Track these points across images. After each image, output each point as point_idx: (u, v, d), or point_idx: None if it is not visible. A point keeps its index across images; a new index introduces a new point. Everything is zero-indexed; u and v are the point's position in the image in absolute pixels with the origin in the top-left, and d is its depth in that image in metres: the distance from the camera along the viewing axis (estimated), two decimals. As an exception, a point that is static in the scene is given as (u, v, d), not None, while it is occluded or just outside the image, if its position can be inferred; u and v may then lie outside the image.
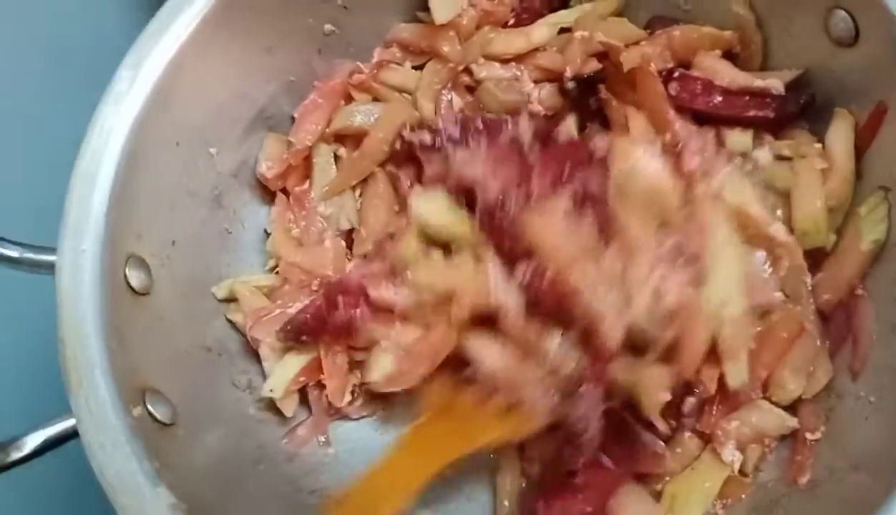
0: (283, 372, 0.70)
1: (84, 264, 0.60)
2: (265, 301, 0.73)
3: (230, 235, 0.75)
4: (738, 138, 0.68)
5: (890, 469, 0.52)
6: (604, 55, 0.72)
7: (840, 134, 0.65)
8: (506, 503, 0.68)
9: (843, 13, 0.62)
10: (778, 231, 0.64)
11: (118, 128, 0.63)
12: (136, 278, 0.63)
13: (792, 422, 0.63)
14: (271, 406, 0.71)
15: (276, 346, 0.71)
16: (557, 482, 0.64)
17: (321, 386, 0.71)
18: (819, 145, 0.66)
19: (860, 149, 0.64)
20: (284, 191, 0.77)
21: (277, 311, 0.71)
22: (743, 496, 0.64)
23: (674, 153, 0.66)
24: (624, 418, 0.63)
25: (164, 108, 0.65)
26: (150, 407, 0.59)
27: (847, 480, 0.57)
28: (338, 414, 0.73)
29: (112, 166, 0.62)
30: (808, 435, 0.63)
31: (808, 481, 0.60)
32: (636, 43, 0.71)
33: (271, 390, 0.69)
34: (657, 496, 0.64)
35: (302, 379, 0.71)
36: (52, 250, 0.60)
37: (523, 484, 0.68)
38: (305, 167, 0.77)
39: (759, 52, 0.71)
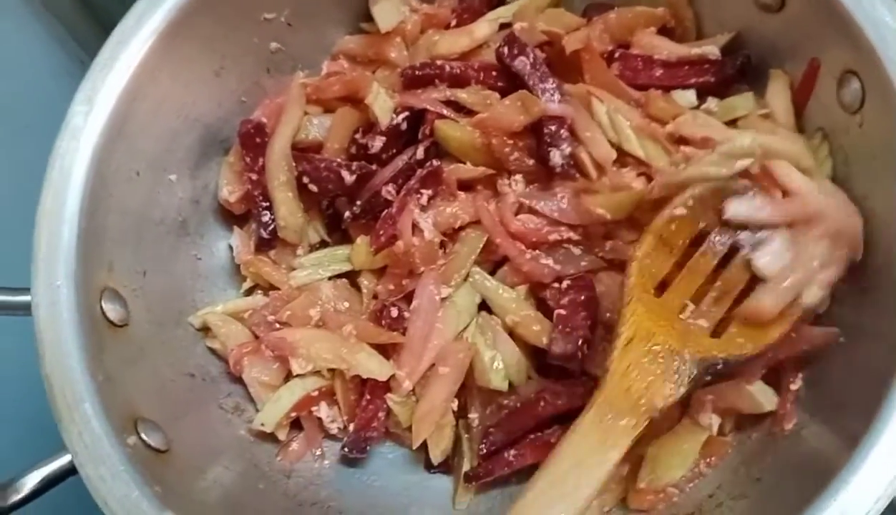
0: (276, 407, 0.70)
1: (60, 300, 0.60)
2: (239, 327, 0.73)
3: (200, 261, 0.75)
4: (682, 95, 0.71)
5: (871, 399, 0.54)
6: (547, 45, 0.74)
7: (778, 93, 0.68)
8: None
9: (767, -21, 0.66)
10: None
11: (78, 162, 0.63)
12: (112, 310, 0.63)
13: (769, 406, 0.64)
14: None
15: (265, 382, 0.71)
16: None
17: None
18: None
19: (799, 105, 0.68)
20: (249, 212, 0.77)
21: (255, 345, 0.72)
22: (727, 453, 0.66)
23: (638, 107, 0.70)
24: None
25: (120, 139, 0.65)
26: (143, 436, 0.59)
27: (830, 420, 0.59)
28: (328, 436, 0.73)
29: (76, 200, 0.62)
30: (791, 386, 0.64)
31: (794, 425, 0.62)
32: (575, 30, 0.74)
33: (262, 424, 0.70)
34: (639, 458, 0.66)
35: (294, 414, 0.71)
36: (27, 290, 0.60)
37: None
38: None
39: (692, 26, 0.74)
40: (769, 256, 0.60)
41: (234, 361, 0.71)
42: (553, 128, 0.66)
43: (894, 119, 0.57)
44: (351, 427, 0.70)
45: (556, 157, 0.66)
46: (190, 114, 0.73)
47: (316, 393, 0.71)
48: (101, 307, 0.62)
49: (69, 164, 0.63)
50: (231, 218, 0.77)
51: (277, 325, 0.71)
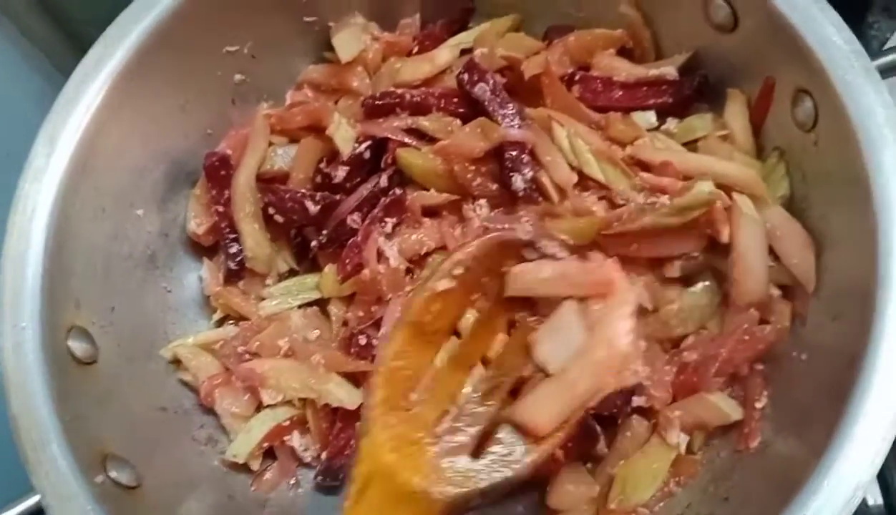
0: (247, 438, 0.70)
1: (25, 341, 0.60)
2: (209, 359, 0.73)
3: (170, 294, 0.75)
4: (641, 116, 0.72)
5: (830, 418, 0.55)
6: (507, 70, 0.75)
7: (736, 112, 0.69)
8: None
9: (720, 2, 0.66)
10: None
11: (41, 203, 0.63)
12: (79, 348, 0.64)
13: (735, 415, 0.65)
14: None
15: (237, 413, 0.72)
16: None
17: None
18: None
19: (756, 124, 0.69)
20: (218, 244, 0.77)
21: (226, 376, 0.72)
22: (696, 472, 0.66)
23: (598, 129, 0.71)
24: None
25: (84, 177, 0.66)
26: (112, 474, 0.59)
27: (795, 435, 0.60)
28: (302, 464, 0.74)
29: (40, 241, 0.63)
30: (756, 404, 0.65)
31: (760, 443, 0.63)
32: (535, 53, 0.75)
33: (234, 455, 0.70)
34: (610, 479, 0.67)
35: (266, 443, 0.71)
36: (-8, 333, 0.60)
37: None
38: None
39: (651, 47, 0.75)
40: (550, 343, 0.52)
41: (206, 393, 0.71)
42: (514, 153, 0.67)
43: (846, 136, 0.58)
44: (324, 455, 0.70)
45: (517, 182, 0.67)
46: (156, 149, 0.73)
47: (287, 423, 0.71)
48: (68, 345, 0.62)
49: (32, 206, 0.63)
50: (200, 249, 0.78)
51: (247, 356, 0.72)
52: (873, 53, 0.82)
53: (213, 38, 0.74)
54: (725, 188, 0.65)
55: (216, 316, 0.77)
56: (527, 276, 0.56)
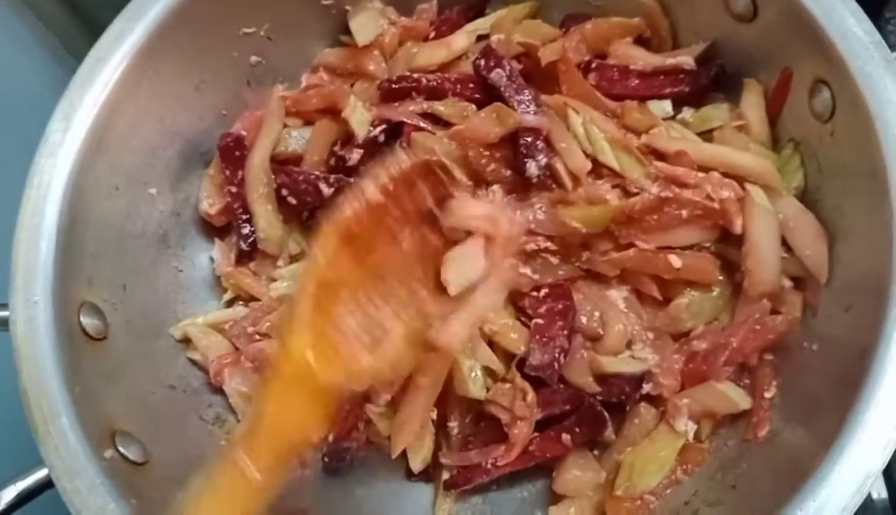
0: None
1: (37, 315, 0.60)
2: (219, 338, 0.73)
3: (181, 274, 0.75)
4: (658, 105, 0.71)
5: (840, 407, 0.55)
6: (524, 56, 0.74)
7: (752, 102, 0.69)
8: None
9: (740, -10, 0.66)
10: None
11: (56, 178, 0.64)
12: (90, 324, 0.64)
13: (744, 404, 0.65)
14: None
15: (246, 393, 0.72)
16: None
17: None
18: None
19: (773, 114, 0.68)
20: (230, 224, 0.78)
21: (235, 356, 0.72)
22: (703, 460, 0.66)
23: (614, 117, 0.70)
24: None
25: (99, 154, 0.66)
26: (121, 449, 0.60)
27: (804, 425, 0.60)
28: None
29: (54, 216, 0.63)
30: (766, 393, 0.65)
31: (768, 432, 0.62)
32: (552, 41, 0.74)
33: None
34: (617, 465, 0.66)
35: None
36: (5, 306, 0.60)
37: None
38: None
39: (668, 36, 0.75)
40: (457, 264, 0.57)
41: (215, 372, 0.71)
42: (529, 139, 0.67)
43: (863, 128, 0.58)
44: (330, 437, 0.70)
45: (532, 168, 0.66)
46: (170, 129, 0.73)
47: None
48: (80, 321, 0.63)
49: (47, 180, 0.63)
50: (212, 230, 0.78)
51: (257, 336, 0.72)
52: (891, 47, 0.83)
53: (231, 19, 0.74)
54: (739, 178, 0.65)
55: (226, 297, 0.77)
56: (464, 210, 0.58)
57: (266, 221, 0.74)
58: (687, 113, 0.71)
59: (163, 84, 0.71)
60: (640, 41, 0.75)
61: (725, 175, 0.65)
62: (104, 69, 0.67)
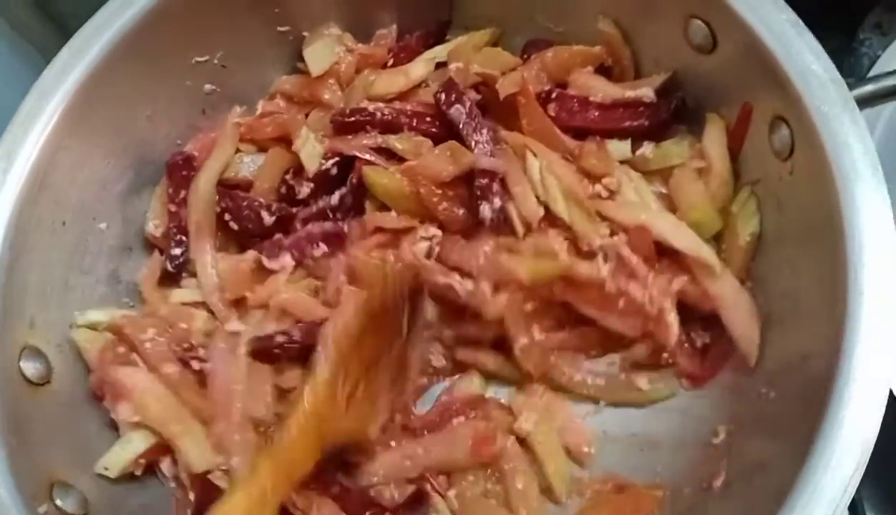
0: (123, 452, 0.65)
1: (-27, 362, 0.58)
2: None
3: (132, 309, 0.73)
4: (617, 146, 0.70)
5: (794, 456, 0.53)
6: (483, 85, 0.73)
7: (714, 137, 0.67)
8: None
9: (699, 22, 0.64)
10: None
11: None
12: (31, 368, 0.62)
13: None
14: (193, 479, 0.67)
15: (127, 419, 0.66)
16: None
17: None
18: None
19: (734, 150, 0.66)
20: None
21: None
22: (656, 509, 0.65)
23: (571, 160, 0.69)
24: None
25: (42, 191, 0.64)
26: (57, 501, 0.58)
27: (758, 474, 0.58)
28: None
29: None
30: (713, 439, 0.64)
31: (723, 483, 0.61)
32: (512, 69, 0.73)
33: (105, 468, 0.64)
34: None
35: (142, 461, 0.66)
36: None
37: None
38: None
39: (630, 65, 0.73)
40: None
41: (95, 384, 0.66)
42: (484, 181, 0.65)
43: (819, 168, 0.56)
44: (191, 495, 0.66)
45: (485, 211, 0.65)
46: (121, 162, 0.71)
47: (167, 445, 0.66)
48: (20, 366, 0.61)
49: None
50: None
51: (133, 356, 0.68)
52: (863, 71, 0.81)
53: (182, 48, 0.72)
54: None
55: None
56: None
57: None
58: (647, 147, 0.70)
59: (112, 116, 0.69)
60: (602, 70, 0.74)
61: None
62: (49, 103, 0.65)
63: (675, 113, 0.69)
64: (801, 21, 0.59)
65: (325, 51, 0.74)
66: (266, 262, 0.68)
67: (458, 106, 0.68)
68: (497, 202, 0.65)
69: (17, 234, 0.62)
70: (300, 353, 0.65)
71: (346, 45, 0.76)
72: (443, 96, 0.69)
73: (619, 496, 0.66)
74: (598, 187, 0.67)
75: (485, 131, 0.67)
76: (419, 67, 0.75)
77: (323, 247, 0.68)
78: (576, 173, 0.67)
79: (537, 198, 0.66)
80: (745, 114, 0.64)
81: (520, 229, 0.65)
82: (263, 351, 0.66)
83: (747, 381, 0.63)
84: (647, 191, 0.68)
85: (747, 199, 0.65)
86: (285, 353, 0.65)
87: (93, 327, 0.68)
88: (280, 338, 0.65)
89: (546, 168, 0.66)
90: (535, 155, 0.67)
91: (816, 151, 0.56)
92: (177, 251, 0.72)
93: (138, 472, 0.66)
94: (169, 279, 0.73)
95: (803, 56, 0.58)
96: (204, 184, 0.72)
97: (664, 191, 0.69)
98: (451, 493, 0.65)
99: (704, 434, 0.65)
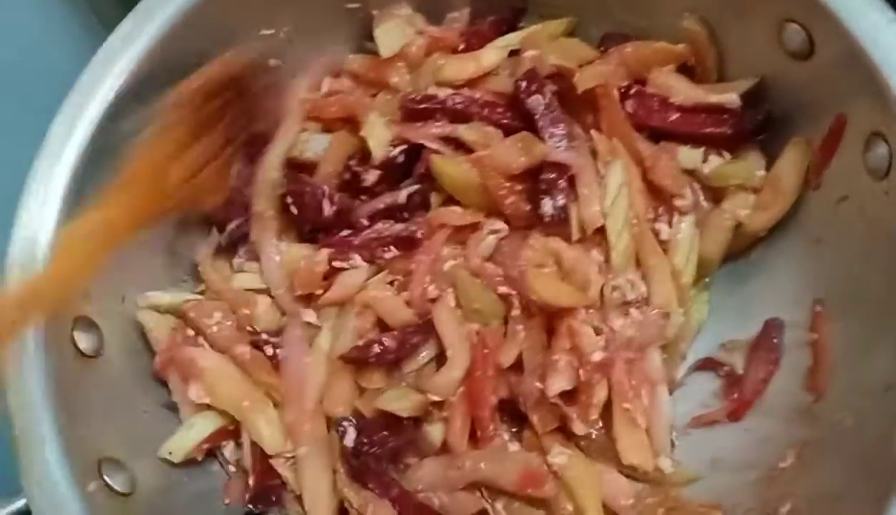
0: (186, 436, 0.65)
1: (28, 332, 0.57)
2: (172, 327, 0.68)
3: (185, 284, 0.72)
4: (689, 155, 0.67)
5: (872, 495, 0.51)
6: (558, 76, 0.70)
7: (793, 162, 0.65)
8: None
9: (796, 26, 0.61)
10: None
11: (54, 185, 0.60)
12: (84, 340, 0.61)
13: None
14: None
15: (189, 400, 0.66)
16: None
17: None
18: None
19: (822, 164, 0.63)
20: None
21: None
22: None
23: (641, 168, 0.66)
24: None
25: (100, 161, 0.62)
26: (106, 478, 0.57)
27: (831, 508, 0.56)
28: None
29: (51, 222, 0.60)
30: (781, 463, 0.61)
31: (790, 511, 0.58)
32: (589, 62, 0.70)
33: (170, 453, 0.64)
34: None
35: (206, 446, 0.66)
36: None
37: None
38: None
39: (714, 67, 0.69)
40: None
41: (161, 365, 0.66)
42: (552, 175, 0.63)
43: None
44: (251, 481, 0.65)
45: (546, 206, 0.63)
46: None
47: (233, 427, 0.66)
48: (73, 336, 0.60)
49: (45, 187, 0.60)
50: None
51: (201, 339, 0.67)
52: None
53: (249, 20, 0.70)
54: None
55: (199, 289, 0.72)
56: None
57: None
58: (713, 162, 0.67)
59: (174, 86, 0.67)
60: (683, 69, 0.70)
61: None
62: (110, 72, 0.63)
63: (760, 126, 0.66)
64: (908, 30, 0.56)
65: (396, 32, 0.72)
66: (336, 263, 0.66)
67: (538, 96, 0.65)
68: (560, 199, 0.63)
69: (75, 202, 0.61)
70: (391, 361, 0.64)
71: (417, 26, 0.74)
72: (524, 84, 0.66)
73: (673, 513, 0.64)
74: (661, 225, 0.66)
75: (562, 125, 0.64)
76: (491, 55, 0.72)
77: (394, 251, 0.66)
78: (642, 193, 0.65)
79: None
80: (839, 125, 0.61)
81: (575, 233, 0.63)
82: (358, 361, 0.64)
83: (819, 406, 0.61)
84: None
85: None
86: (378, 361, 0.64)
87: (155, 309, 0.67)
88: (377, 349, 0.63)
89: (627, 184, 0.64)
90: (621, 164, 0.65)
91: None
92: (232, 225, 0.71)
93: (199, 457, 0.66)
94: (225, 252, 0.72)
95: (910, 67, 0.55)
96: (270, 169, 0.70)
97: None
98: (499, 506, 0.63)
99: (771, 456, 0.62)
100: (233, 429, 0.66)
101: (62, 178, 0.61)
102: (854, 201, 0.61)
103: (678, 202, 0.65)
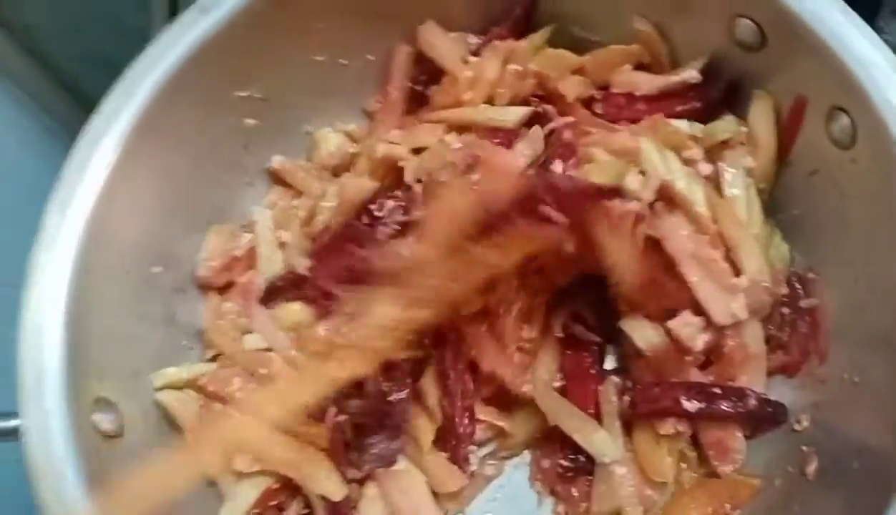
0: (235, 507, 0.65)
1: (51, 422, 0.57)
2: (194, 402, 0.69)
3: (192, 351, 0.72)
4: (676, 124, 0.70)
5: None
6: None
7: (761, 115, 0.67)
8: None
9: (747, 21, 0.64)
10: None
11: (57, 271, 0.60)
12: (106, 421, 0.61)
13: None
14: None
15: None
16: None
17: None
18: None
19: (788, 142, 0.66)
20: (230, 284, 0.75)
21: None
22: (751, 499, 0.65)
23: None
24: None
25: (99, 241, 0.62)
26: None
27: (854, 465, 0.58)
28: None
29: (59, 313, 0.59)
30: (796, 426, 0.64)
31: (817, 470, 0.61)
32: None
33: None
34: None
35: (256, 511, 0.66)
36: (15, 415, 0.57)
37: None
38: (250, 257, 0.76)
39: (667, 61, 0.72)
40: None
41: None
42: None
43: (887, 156, 0.56)
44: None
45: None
46: (171, 206, 0.70)
47: (278, 486, 0.66)
48: (94, 420, 0.60)
49: (48, 276, 0.60)
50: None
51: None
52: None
53: (224, 86, 0.71)
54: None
55: (209, 353, 0.73)
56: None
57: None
58: (695, 128, 0.70)
59: (158, 164, 0.67)
60: (640, 68, 0.73)
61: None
62: (96, 152, 0.63)
63: (726, 91, 0.69)
64: (850, 9, 0.60)
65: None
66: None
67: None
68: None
69: (80, 285, 0.61)
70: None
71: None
72: None
73: (714, 481, 0.66)
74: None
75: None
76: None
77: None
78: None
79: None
80: (799, 106, 0.64)
81: None
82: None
83: (825, 369, 0.63)
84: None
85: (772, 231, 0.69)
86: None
87: (171, 386, 0.68)
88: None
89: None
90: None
91: (883, 139, 0.56)
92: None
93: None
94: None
95: (863, 47, 0.58)
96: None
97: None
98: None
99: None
100: (278, 487, 0.66)
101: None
102: (825, 173, 0.64)
103: (687, 153, 0.68)
